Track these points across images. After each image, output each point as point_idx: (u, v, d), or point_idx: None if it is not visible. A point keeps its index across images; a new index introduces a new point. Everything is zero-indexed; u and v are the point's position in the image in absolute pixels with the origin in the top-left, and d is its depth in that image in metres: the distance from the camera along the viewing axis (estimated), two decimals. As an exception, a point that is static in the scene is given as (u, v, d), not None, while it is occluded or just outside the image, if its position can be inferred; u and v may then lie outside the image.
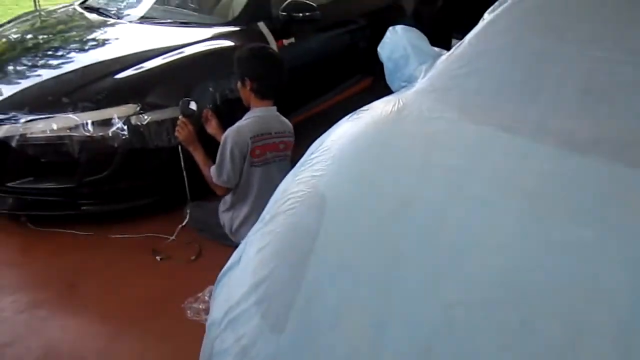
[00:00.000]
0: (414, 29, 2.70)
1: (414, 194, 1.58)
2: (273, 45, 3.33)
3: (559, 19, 2.03)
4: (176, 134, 2.68)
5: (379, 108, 2.03)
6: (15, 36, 3.53)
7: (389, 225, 1.49)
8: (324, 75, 3.91)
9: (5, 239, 2.86)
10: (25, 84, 2.95)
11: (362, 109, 2.09)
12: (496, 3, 2.28)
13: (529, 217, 1.36)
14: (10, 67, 3.11)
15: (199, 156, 2.69)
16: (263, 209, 2.50)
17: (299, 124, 3.10)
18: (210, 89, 2.92)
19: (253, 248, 1.53)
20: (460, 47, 2.28)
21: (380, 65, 4.20)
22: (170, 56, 2.96)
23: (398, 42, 2.62)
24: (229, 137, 2.55)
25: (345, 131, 1.91)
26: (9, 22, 3.92)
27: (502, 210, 1.41)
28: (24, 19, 3.89)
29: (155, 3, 3.73)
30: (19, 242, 2.84)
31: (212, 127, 2.82)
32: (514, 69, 1.95)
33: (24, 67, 3.09)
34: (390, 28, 2.71)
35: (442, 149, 1.77)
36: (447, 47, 5.17)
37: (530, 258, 1.26)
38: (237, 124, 2.61)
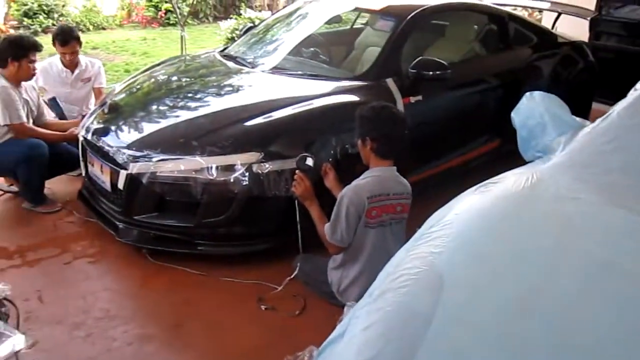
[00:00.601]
0: (553, 96, 2.52)
1: (544, 286, 1.41)
2: (399, 102, 3.27)
3: None
4: (293, 188, 2.69)
5: (511, 182, 1.87)
6: (162, 77, 3.80)
7: (513, 319, 1.33)
8: (450, 135, 3.78)
9: (127, 268, 3.01)
10: (163, 123, 3.14)
11: (491, 180, 1.94)
12: (652, 75, 2.05)
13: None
14: (154, 107, 3.34)
15: (314, 212, 2.67)
16: (374, 272, 2.40)
17: (418, 183, 2.99)
18: (332, 142, 2.92)
19: (359, 325, 1.43)
20: (607, 119, 2.07)
21: (509, 128, 3.98)
22: (296, 108, 3.02)
23: (535, 109, 2.45)
24: (346, 195, 2.50)
25: (471, 205, 1.78)
26: (159, 64, 4.25)
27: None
28: (172, 62, 4.20)
29: (288, 54, 3.84)
30: (138, 274, 2.97)
31: (329, 181, 2.79)
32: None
33: (165, 107, 3.30)
34: (527, 94, 2.54)
35: (579, 236, 1.58)
36: (586, 114, 4.87)
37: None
38: (355, 182, 2.56)
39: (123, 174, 2.91)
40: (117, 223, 3.06)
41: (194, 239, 2.93)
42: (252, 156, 2.78)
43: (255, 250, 2.95)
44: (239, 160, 2.77)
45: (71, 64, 4.22)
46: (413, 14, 3.61)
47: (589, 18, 5.12)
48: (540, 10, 7.21)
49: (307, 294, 2.76)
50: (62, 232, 3.36)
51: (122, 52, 9.29)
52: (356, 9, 4.35)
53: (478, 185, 1.93)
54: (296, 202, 2.74)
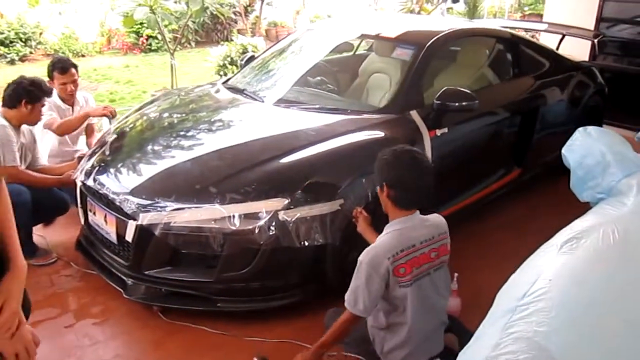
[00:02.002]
0: (611, 131, 2.32)
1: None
2: (426, 136, 3.06)
3: None
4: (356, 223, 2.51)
5: (597, 238, 1.64)
6: (165, 112, 3.50)
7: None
8: (473, 167, 3.58)
9: (138, 330, 2.70)
10: (174, 166, 2.86)
11: (569, 234, 1.72)
12: None
13: None
14: (161, 146, 3.05)
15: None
16: (422, 331, 2.15)
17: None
18: (363, 183, 2.68)
19: None
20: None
21: (529, 157, 3.81)
22: (322, 146, 2.78)
23: (593, 146, 2.24)
24: (364, 262, 2.17)
25: (562, 269, 1.54)
26: (158, 97, 3.99)
27: None
28: (172, 95, 3.93)
29: (299, 85, 3.61)
30: (151, 334, 2.66)
31: (361, 227, 2.54)
32: None
33: (174, 147, 3.03)
34: (581, 129, 2.33)
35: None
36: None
37: None
38: (373, 245, 2.24)
39: (132, 224, 2.62)
40: (125, 278, 2.75)
41: (213, 295, 2.64)
42: (278, 202, 2.52)
43: (281, 305, 2.67)
44: (263, 207, 2.51)
45: (71, 98, 3.96)
46: (433, 40, 3.41)
47: (596, 40, 5.00)
48: (537, 32, 7.16)
49: (340, 349, 2.48)
50: (60, 288, 3.04)
51: (105, 80, 8.98)
52: (362, 36, 4.15)
53: (557, 241, 1.70)
54: (327, 248, 2.49)
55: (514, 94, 3.95)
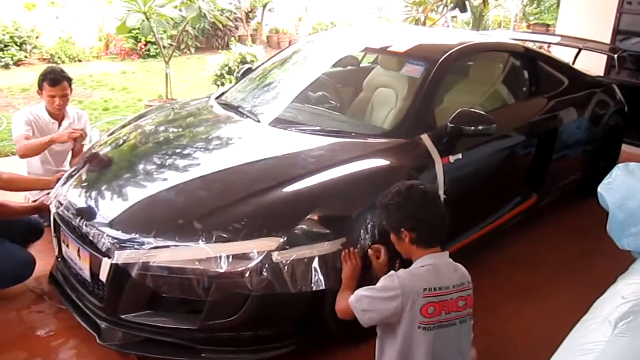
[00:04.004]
0: (657, 169, 2.01)
1: None
2: (439, 163, 2.76)
3: None
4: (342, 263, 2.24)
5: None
6: (150, 131, 3.21)
7: None
8: (489, 196, 3.28)
9: (111, 382, 2.40)
10: (156, 195, 2.55)
11: (624, 307, 1.41)
12: None
13: None
14: (143, 171, 2.75)
15: (347, 285, 2.22)
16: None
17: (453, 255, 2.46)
18: (368, 219, 2.36)
19: None
20: None
21: (546, 183, 3.50)
22: (323, 176, 2.47)
23: (636, 187, 1.94)
24: (400, 280, 1.97)
25: (624, 355, 1.24)
26: (146, 113, 3.70)
27: None
28: (162, 111, 3.63)
29: (299, 104, 3.31)
30: (127, 388, 2.35)
31: (346, 273, 2.26)
32: None
33: (158, 173, 2.72)
34: (621, 166, 2.04)
35: None
36: (617, 158, 4.45)
37: None
38: (412, 269, 2.03)
39: (106, 263, 2.31)
40: (99, 322, 2.44)
41: (197, 345, 2.32)
42: (271, 242, 2.21)
43: (273, 357, 2.36)
44: (255, 247, 2.20)
45: (59, 113, 3.66)
46: (446, 56, 3.11)
47: (616, 55, 4.69)
48: (549, 45, 6.87)
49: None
50: (29, 327, 2.72)
51: (101, 87, 8.69)
52: (367, 50, 3.85)
53: (610, 315, 1.39)
54: (327, 293, 2.22)
55: (531, 115, 3.64)
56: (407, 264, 2.13)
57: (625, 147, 5.00)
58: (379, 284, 2.01)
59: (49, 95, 3.56)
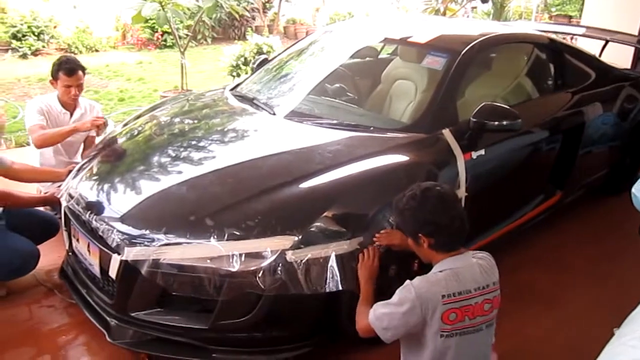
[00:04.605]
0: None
1: None
2: (460, 159, 2.64)
3: None
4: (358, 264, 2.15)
5: None
6: (165, 124, 3.13)
7: None
8: (513, 193, 3.16)
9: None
10: (167, 189, 2.47)
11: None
12: None
13: None
14: (155, 165, 2.67)
15: (366, 292, 2.14)
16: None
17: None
18: (385, 219, 2.27)
19: None
20: None
21: (571, 178, 3.35)
22: (339, 174, 2.37)
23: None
24: (415, 289, 1.87)
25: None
26: (160, 104, 3.63)
27: None
28: (176, 102, 3.55)
29: (316, 96, 3.22)
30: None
31: (362, 274, 2.18)
32: None
33: (170, 166, 2.63)
34: (659, 165, 1.91)
35: None
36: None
37: None
38: (427, 276, 1.93)
39: (115, 259, 2.24)
40: (109, 319, 2.38)
41: (208, 344, 2.25)
42: (285, 240, 2.12)
43: (287, 358, 2.28)
44: (268, 246, 2.11)
45: (73, 102, 3.60)
46: (469, 47, 2.99)
47: (645, 47, 4.52)
48: (572, 37, 6.67)
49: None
50: (39, 322, 2.69)
51: (117, 77, 8.67)
52: (386, 40, 3.73)
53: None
54: (342, 294, 2.14)
55: (557, 109, 3.49)
56: (426, 267, 2.04)
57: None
58: (395, 297, 1.92)
59: (64, 85, 3.51)
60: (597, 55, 4.48)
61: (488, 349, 2.00)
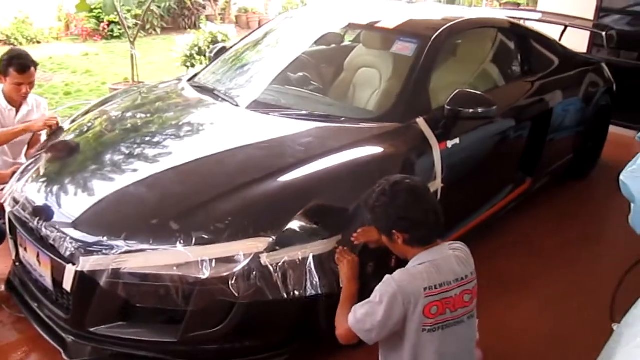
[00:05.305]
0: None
1: None
2: (436, 149, 2.54)
3: None
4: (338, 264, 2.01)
5: None
6: (116, 118, 2.92)
7: None
8: (487, 181, 3.10)
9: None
10: (125, 190, 2.26)
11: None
12: None
13: None
14: (110, 162, 2.47)
15: (348, 291, 1.99)
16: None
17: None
18: (363, 215, 2.13)
19: None
20: None
21: (539, 165, 3.22)
22: (312, 168, 2.22)
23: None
24: (396, 280, 1.77)
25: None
26: (111, 97, 3.38)
27: None
28: (129, 95, 3.31)
29: (281, 85, 3.05)
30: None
31: (344, 273, 2.03)
32: None
33: (127, 165, 2.43)
34: (647, 152, 1.85)
35: None
36: (604, 140, 4.33)
37: None
38: (407, 269, 1.82)
39: (70, 270, 2.03)
40: (64, 335, 2.16)
41: (177, 359, 2.07)
42: (259, 243, 1.96)
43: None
44: (240, 249, 1.95)
45: (22, 100, 3.28)
46: (439, 32, 2.89)
47: (604, 33, 4.54)
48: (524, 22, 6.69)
49: None
50: (-15, 340, 2.43)
51: (61, 70, 8.21)
52: (351, 26, 3.59)
53: None
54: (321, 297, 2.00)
55: (526, 95, 3.45)
56: (403, 262, 1.92)
57: (611, 128, 4.88)
58: (375, 294, 1.79)
59: (15, 82, 3.19)
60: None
61: (472, 343, 1.93)
